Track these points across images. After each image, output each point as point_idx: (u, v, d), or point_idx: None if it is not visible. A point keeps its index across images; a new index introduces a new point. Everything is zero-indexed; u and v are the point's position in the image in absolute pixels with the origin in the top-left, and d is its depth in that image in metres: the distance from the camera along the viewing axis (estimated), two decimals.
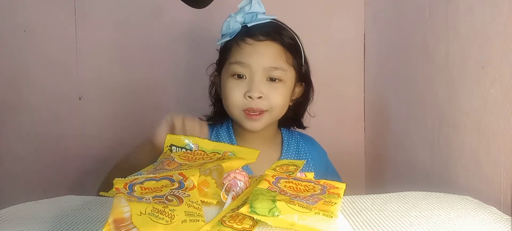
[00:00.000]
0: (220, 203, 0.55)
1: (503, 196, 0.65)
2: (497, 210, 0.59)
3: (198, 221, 0.46)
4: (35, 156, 1.22)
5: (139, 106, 1.26)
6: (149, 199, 0.49)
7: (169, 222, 0.45)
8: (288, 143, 0.95)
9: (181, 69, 1.27)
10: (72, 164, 1.24)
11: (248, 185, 0.57)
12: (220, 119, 0.96)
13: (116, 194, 0.50)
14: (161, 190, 0.52)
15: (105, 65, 1.24)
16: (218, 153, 0.71)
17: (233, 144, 0.89)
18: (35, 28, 1.21)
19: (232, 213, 0.48)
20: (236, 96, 0.85)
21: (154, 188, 0.52)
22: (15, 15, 1.20)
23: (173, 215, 0.46)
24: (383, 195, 0.65)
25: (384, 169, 1.19)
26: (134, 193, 0.50)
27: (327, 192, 0.53)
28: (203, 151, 0.73)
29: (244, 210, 0.46)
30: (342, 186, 0.56)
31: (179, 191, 0.51)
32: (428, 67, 0.90)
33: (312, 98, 0.98)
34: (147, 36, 1.25)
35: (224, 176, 0.57)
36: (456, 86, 0.79)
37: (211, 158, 0.69)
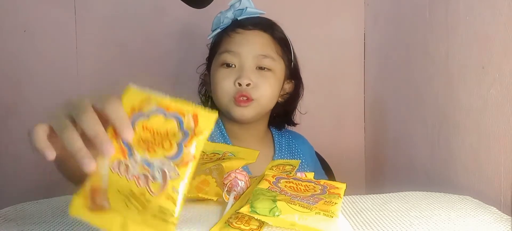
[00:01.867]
0: (221, 202, 0.55)
1: (503, 196, 0.65)
2: (497, 210, 0.59)
3: (168, 222, 0.42)
4: (35, 156, 1.22)
5: None
6: (136, 166, 0.43)
7: (140, 210, 0.41)
8: (280, 141, 0.95)
9: (181, 69, 1.27)
10: None
11: (248, 185, 0.57)
12: None
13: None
14: (157, 147, 0.43)
15: (105, 65, 1.24)
16: (218, 154, 0.71)
17: (226, 140, 0.90)
18: (35, 28, 1.21)
19: (237, 214, 0.48)
20: (226, 84, 0.85)
21: (156, 132, 0.44)
22: (15, 15, 1.20)
23: (146, 206, 0.42)
24: (383, 195, 0.65)
25: (384, 169, 1.19)
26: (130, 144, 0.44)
27: (327, 192, 0.54)
28: (203, 151, 0.73)
29: (245, 210, 0.46)
30: (342, 186, 0.56)
31: (170, 165, 0.43)
32: (428, 67, 0.90)
33: (302, 94, 0.98)
34: (147, 36, 1.25)
35: (225, 176, 0.57)
36: (456, 86, 0.79)
37: (211, 159, 0.69)
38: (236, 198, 0.54)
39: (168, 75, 1.27)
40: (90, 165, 0.41)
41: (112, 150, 0.42)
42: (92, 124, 0.42)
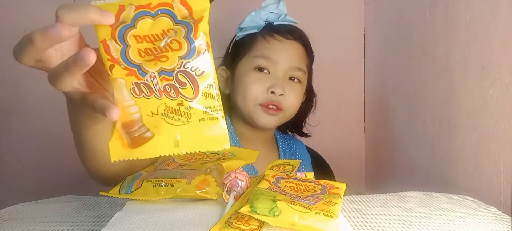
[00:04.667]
0: (221, 202, 0.55)
1: (503, 196, 0.65)
2: (497, 210, 0.59)
3: (217, 118, 0.40)
4: (35, 156, 1.22)
5: None
6: (156, 81, 0.39)
7: (186, 122, 0.39)
8: (284, 145, 0.95)
9: None
10: (72, 164, 1.23)
11: (249, 185, 0.57)
12: None
13: (110, 67, 0.39)
14: (165, 53, 0.39)
15: None
16: (218, 154, 0.71)
17: (235, 142, 0.89)
18: (35, 28, 1.21)
19: (237, 214, 0.48)
20: (257, 89, 0.84)
21: (153, 39, 0.40)
22: (15, 15, 1.20)
23: (190, 113, 0.39)
24: (383, 195, 0.65)
25: (384, 169, 1.19)
26: (129, 52, 0.39)
27: (327, 192, 0.54)
28: (203, 152, 0.73)
29: (245, 210, 0.46)
30: (342, 186, 0.56)
31: (190, 63, 0.39)
32: (428, 67, 0.90)
33: (315, 107, 0.99)
34: None
35: (225, 176, 0.57)
36: (456, 86, 0.79)
37: (211, 159, 0.69)
38: (236, 198, 0.54)
39: None
40: (113, 113, 0.38)
41: (92, 54, 0.37)
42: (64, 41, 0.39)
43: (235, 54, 0.90)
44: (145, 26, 0.39)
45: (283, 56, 0.85)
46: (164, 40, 0.39)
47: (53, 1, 1.29)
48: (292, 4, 1.27)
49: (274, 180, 0.55)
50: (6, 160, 1.22)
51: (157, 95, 0.39)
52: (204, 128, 0.40)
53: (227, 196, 0.54)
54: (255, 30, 0.88)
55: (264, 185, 0.53)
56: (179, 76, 0.39)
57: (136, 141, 0.39)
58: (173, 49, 0.39)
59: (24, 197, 0.66)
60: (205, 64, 0.40)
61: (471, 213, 0.57)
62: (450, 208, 0.59)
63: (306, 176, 0.59)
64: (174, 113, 0.39)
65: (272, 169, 0.65)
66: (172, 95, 0.39)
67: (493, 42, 0.67)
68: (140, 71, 0.39)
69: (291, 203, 0.47)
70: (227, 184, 0.55)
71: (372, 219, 0.55)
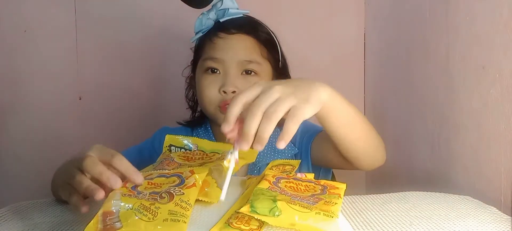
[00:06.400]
0: (221, 201, 0.55)
1: (503, 196, 0.65)
2: (497, 210, 0.59)
3: (179, 221, 0.46)
4: (35, 156, 1.22)
5: (139, 106, 1.26)
6: (146, 194, 0.49)
7: (151, 220, 0.45)
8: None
9: (181, 69, 1.26)
10: None
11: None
12: (198, 121, 0.93)
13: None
14: (161, 186, 0.52)
15: (105, 65, 1.24)
16: (218, 153, 0.71)
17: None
18: (35, 28, 1.21)
19: (237, 214, 0.48)
20: (210, 92, 0.82)
21: (160, 183, 0.53)
22: (15, 15, 1.20)
23: (157, 212, 0.46)
24: (383, 195, 0.65)
25: (384, 169, 1.19)
26: (137, 188, 0.51)
27: (327, 192, 0.54)
28: (203, 151, 0.73)
29: (245, 209, 0.46)
30: (342, 186, 0.56)
31: (175, 188, 0.50)
32: (428, 67, 0.90)
33: None
34: (147, 36, 1.25)
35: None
36: (456, 86, 0.79)
37: (210, 158, 0.69)
38: (236, 162, 0.52)
39: (168, 75, 1.27)
40: (98, 193, 0.48)
41: (119, 181, 0.50)
42: (94, 166, 0.51)
43: (193, 61, 0.91)
44: (159, 179, 0.54)
45: (228, 53, 0.82)
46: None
47: (53, 2, 1.30)
48: (292, 5, 1.28)
49: (274, 180, 0.55)
50: (6, 160, 1.22)
51: (138, 197, 0.49)
52: (165, 227, 0.45)
53: (229, 158, 0.52)
54: (203, 33, 0.87)
55: (264, 185, 0.53)
56: (163, 193, 0.50)
57: (107, 229, 0.44)
58: (173, 182, 0.53)
59: (24, 197, 0.66)
60: (186, 191, 0.50)
61: (471, 213, 0.57)
62: (450, 208, 0.59)
63: (306, 176, 0.59)
64: (145, 210, 0.46)
65: (272, 169, 0.65)
66: (151, 200, 0.48)
67: (493, 42, 0.67)
68: (137, 192, 0.50)
69: (291, 203, 0.47)
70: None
71: (372, 219, 0.55)
